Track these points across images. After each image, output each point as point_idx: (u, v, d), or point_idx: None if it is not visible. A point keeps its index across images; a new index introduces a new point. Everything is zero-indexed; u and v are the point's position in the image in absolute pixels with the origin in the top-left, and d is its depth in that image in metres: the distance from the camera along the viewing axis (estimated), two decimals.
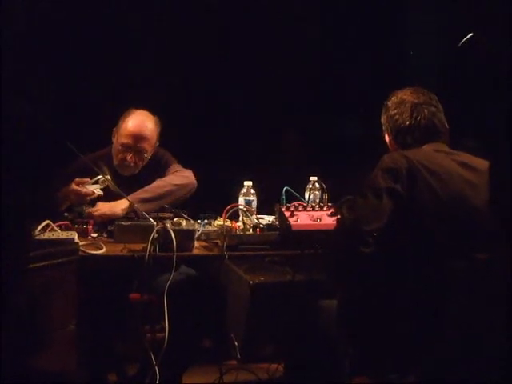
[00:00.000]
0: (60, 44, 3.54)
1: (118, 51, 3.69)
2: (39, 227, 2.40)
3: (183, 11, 3.85)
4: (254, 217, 2.66)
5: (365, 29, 4.08)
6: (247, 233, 2.51)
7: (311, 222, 2.45)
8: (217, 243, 2.52)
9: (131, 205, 2.68)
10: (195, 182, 2.95)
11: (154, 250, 2.34)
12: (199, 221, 2.68)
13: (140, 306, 2.40)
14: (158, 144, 2.97)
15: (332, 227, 2.16)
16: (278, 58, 3.96)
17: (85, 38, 3.61)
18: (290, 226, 2.43)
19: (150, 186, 2.82)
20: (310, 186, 2.85)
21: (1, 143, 1.95)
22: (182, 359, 2.66)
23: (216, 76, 3.94)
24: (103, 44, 3.65)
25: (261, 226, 2.55)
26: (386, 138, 2.29)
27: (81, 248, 2.35)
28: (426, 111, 2.19)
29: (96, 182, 2.70)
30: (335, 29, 4.13)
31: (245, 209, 2.67)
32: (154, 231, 2.36)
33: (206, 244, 2.55)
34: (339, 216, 2.15)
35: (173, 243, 2.33)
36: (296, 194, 2.73)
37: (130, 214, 2.71)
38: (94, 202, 2.71)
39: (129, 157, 2.86)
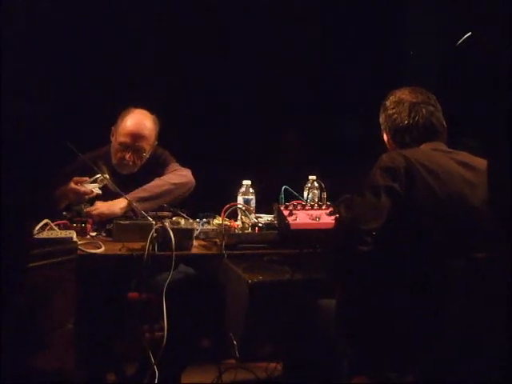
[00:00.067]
0: (60, 44, 3.54)
1: (117, 51, 3.69)
2: (38, 226, 2.41)
3: (183, 11, 3.84)
4: (253, 216, 2.66)
5: (365, 29, 4.07)
6: (246, 232, 2.51)
7: (310, 221, 2.45)
8: (215, 242, 2.53)
9: (130, 204, 2.69)
10: (193, 180, 2.95)
11: (153, 248, 2.35)
12: (198, 220, 2.68)
13: (139, 305, 2.41)
14: (156, 143, 2.98)
15: (331, 226, 2.16)
16: (278, 58, 3.96)
17: (85, 38, 3.61)
18: (288, 225, 2.43)
19: (149, 184, 2.82)
20: (309, 185, 2.85)
21: (1, 143, 1.95)
22: (181, 358, 2.65)
23: (216, 76, 3.94)
24: (103, 44, 3.65)
25: (259, 225, 2.56)
26: (385, 137, 2.30)
27: (79, 247, 2.35)
28: (424, 110, 2.20)
29: (94, 181, 2.70)
30: (335, 29, 4.12)
31: (243, 208, 2.67)
32: (153, 230, 2.36)
33: (205, 243, 2.56)
34: (337, 215, 2.15)
35: (171, 242, 2.33)
36: (295, 193, 2.73)
37: (129, 212, 2.71)
38: (92, 200, 2.72)
39: (127, 156, 2.87)
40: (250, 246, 2.47)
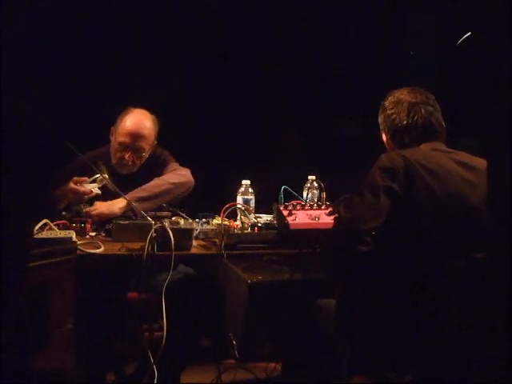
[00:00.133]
0: (60, 44, 3.54)
1: (118, 51, 3.69)
2: (37, 226, 2.41)
3: (183, 11, 3.84)
4: (252, 216, 2.66)
5: (365, 29, 4.07)
6: (245, 232, 2.51)
7: (309, 221, 2.45)
8: (215, 242, 2.53)
9: (129, 203, 2.69)
10: (193, 180, 2.95)
11: (152, 248, 2.34)
12: (197, 220, 2.68)
13: (138, 305, 2.41)
14: (155, 143, 2.98)
15: (330, 226, 2.16)
16: (278, 58, 3.96)
17: (85, 38, 3.61)
18: (288, 224, 2.43)
19: (148, 184, 2.82)
20: (308, 185, 2.85)
21: (1, 143, 1.95)
22: (180, 358, 2.65)
23: (216, 76, 3.94)
24: (103, 44, 3.65)
25: (259, 224, 2.55)
26: (384, 137, 2.30)
27: (79, 247, 2.35)
28: (423, 111, 2.19)
29: (94, 181, 2.70)
30: (335, 29, 4.12)
31: (243, 208, 2.67)
32: (152, 230, 2.36)
33: (204, 243, 2.56)
34: (337, 215, 2.15)
35: (171, 242, 2.33)
36: (294, 193, 2.73)
37: (128, 212, 2.71)
38: (91, 200, 2.71)
39: (127, 155, 2.87)
40: (250, 245, 2.47)
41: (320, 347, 2.24)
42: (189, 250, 2.44)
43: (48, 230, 2.42)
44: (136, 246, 2.40)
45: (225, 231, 2.45)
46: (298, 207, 2.51)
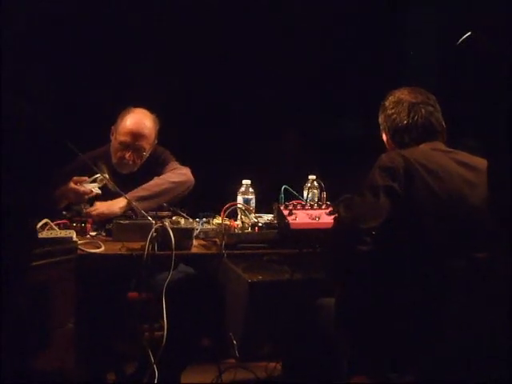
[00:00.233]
0: (60, 44, 3.54)
1: (117, 51, 3.69)
2: (38, 226, 2.40)
3: (183, 11, 3.84)
4: (253, 215, 2.66)
5: (365, 29, 4.07)
6: (246, 231, 2.51)
7: (310, 221, 2.45)
8: (215, 242, 2.53)
9: (129, 203, 2.69)
10: (193, 179, 2.95)
11: (153, 248, 2.35)
12: (198, 219, 2.68)
13: (138, 305, 2.41)
14: (156, 142, 2.98)
15: (330, 226, 2.16)
16: (278, 58, 3.96)
17: (85, 38, 3.61)
18: (288, 224, 2.43)
19: (148, 183, 2.82)
20: (309, 185, 2.85)
21: (1, 143, 1.95)
22: (181, 358, 2.65)
23: (216, 76, 3.94)
24: (103, 44, 3.65)
25: (259, 224, 2.56)
26: (384, 137, 2.30)
27: (79, 246, 2.35)
28: (423, 111, 2.20)
29: (94, 181, 2.70)
30: (335, 29, 4.12)
31: (243, 207, 2.67)
32: (153, 230, 2.36)
33: (205, 242, 2.56)
34: (337, 215, 2.15)
35: (171, 242, 2.33)
36: (294, 193, 2.73)
37: (128, 212, 2.71)
38: (92, 200, 2.72)
39: (127, 155, 2.87)
40: (250, 245, 2.47)
41: (320, 347, 2.24)
42: (189, 249, 2.44)
43: (48, 230, 2.42)
44: (136, 245, 2.40)
45: (225, 231, 2.45)
46: (299, 207, 2.52)
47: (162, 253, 2.35)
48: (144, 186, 2.81)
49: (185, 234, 2.41)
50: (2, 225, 1.89)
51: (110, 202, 2.71)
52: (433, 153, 2.11)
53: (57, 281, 2.16)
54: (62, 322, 2.16)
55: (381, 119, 2.30)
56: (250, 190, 2.79)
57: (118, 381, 2.73)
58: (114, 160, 2.90)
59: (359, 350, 2.13)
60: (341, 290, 2.16)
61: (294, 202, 2.62)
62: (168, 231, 2.35)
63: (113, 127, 2.94)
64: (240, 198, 2.77)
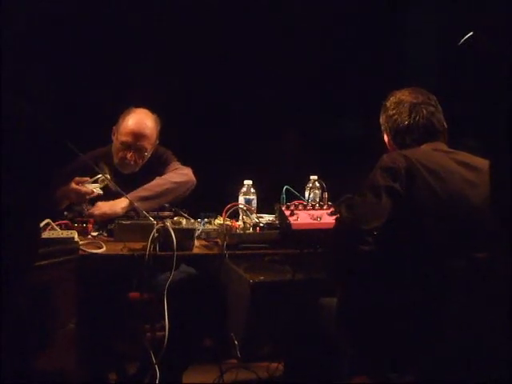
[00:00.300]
0: (60, 44, 3.54)
1: (118, 51, 3.69)
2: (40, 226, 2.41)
3: (183, 11, 3.84)
4: (254, 216, 2.66)
5: (365, 29, 4.08)
6: (247, 232, 2.51)
7: (311, 221, 2.45)
8: (217, 242, 2.53)
9: (131, 203, 2.69)
10: (194, 179, 2.95)
11: (154, 248, 2.34)
12: (199, 220, 2.68)
13: (140, 305, 2.42)
14: (157, 142, 2.98)
15: (332, 226, 2.16)
16: (278, 58, 3.96)
17: (85, 38, 3.61)
18: (290, 224, 2.43)
19: (150, 184, 2.82)
20: (310, 185, 2.85)
21: (1, 143, 1.94)
22: (182, 358, 2.65)
23: (216, 76, 3.94)
24: (103, 44, 3.65)
25: (261, 224, 2.55)
26: (385, 138, 2.30)
27: (81, 247, 2.35)
28: (424, 111, 2.20)
29: (96, 181, 2.70)
30: (335, 29, 4.12)
31: (245, 208, 2.67)
32: (154, 230, 2.36)
33: (206, 243, 2.56)
34: (338, 215, 2.15)
35: (173, 242, 2.33)
36: (296, 193, 2.73)
37: (130, 212, 2.71)
38: (93, 201, 2.72)
39: (129, 155, 2.87)
40: (252, 246, 2.47)
41: (322, 347, 2.25)
42: (191, 250, 2.44)
43: (50, 230, 2.42)
44: (138, 246, 2.40)
45: (227, 231, 2.45)
46: (300, 207, 2.52)
47: (163, 253, 2.35)
48: (146, 186, 2.80)
49: (186, 235, 2.41)
50: (2, 225, 1.89)
51: (112, 202, 2.71)
52: (434, 153, 2.11)
53: (58, 281, 2.16)
54: (64, 322, 2.16)
55: (382, 120, 2.30)
56: (252, 190, 2.79)
57: (119, 381, 2.73)
58: (115, 160, 2.90)
59: (360, 350, 2.13)
60: (342, 290, 2.16)
61: (296, 202, 2.61)
62: (169, 232, 2.35)
63: (114, 127, 2.94)
64: (241, 199, 2.77)
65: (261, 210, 2.79)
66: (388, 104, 2.27)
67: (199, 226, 2.59)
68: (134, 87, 3.70)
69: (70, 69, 3.60)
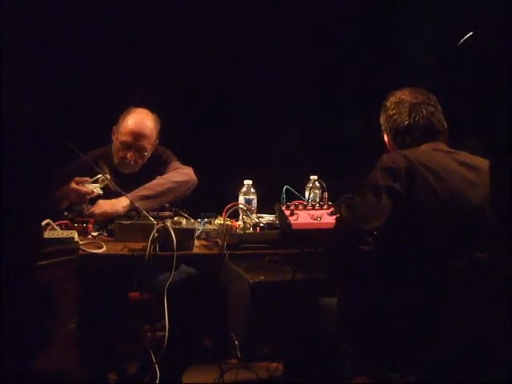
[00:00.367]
0: (60, 44, 3.54)
1: (118, 51, 3.69)
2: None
3: (183, 11, 3.84)
4: (254, 216, 2.66)
5: (365, 29, 4.08)
6: (247, 232, 2.51)
7: (311, 221, 2.45)
8: (217, 242, 2.53)
9: (132, 203, 2.69)
10: (195, 178, 2.95)
11: (154, 248, 2.34)
12: (199, 220, 2.68)
13: (140, 305, 2.41)
14: (157, 142, 2.98)
15: (332, 226, 2.16)
16: (278, 58, 3.96)
17: (85, 38, 3.61)
18: (290, 224, 2.43)
19: (151, 183, 2.82)
20: (310, 185, 2.85)
21: (1, 143, 1.95)
22: (182, 358, 2.66)
23: (216, 76, 3.94)
24: (103, 44, 3.65)
25: (261, 224, 2.55)
26: (385, 138, 2.30)
27: (81, 247, 2.35)
28: (424, 111, 2.20)
29: (96, 181, 2.70)
30: (335, 29, 4.12)
31: (245, 208, 2.67)
32: (154, 230, 2.36)
33: (206, 243, 2.56)
34: (338, 215, 2.15)
35: (173, 242, 2.33)
36: (296, 193, 2.73)
37: (132, 212, 2.70)
38: (93, 201, 2.71)
39: (129, 155, 2.87)
40: (252, 245, 2.47)
41: (322, 347, 2.24)
42: (191, 250, 2.44)
43: (50, 230, 2.42)
44: (138, 246, 2.40)
45: (227, 231, 2.45)
46: (300, 207, 2.52)
47: (163, 253, 2.35)
48: (147, 185, 2.80)
49: (186, 235, 2.41)
50: (2, 225, 1.89)
51: (113, 201, 2.70)
52: (434, 153, 2.12)
53: (58, 281, 2.16)
54: (64, 323, 2.16)
55: (382, 120, 2.30)
56: (252, 190, 2.79)
57: (119, 381, 2.74)
58: (115, 160, 2.90)
59: (361, 350, 2.13)
60: (342, 290, 2.16)
61: (296, 202, 2.62)
62: (170, 231, 2.35)
63: (114, 127, 2.95)
64: (241, 199, 2.77)
65: (261, 209, 2.79)
66: (388, 104, 2.27)
67: (199, 225, 2.59)
68: (134, 87, 3.70)
69: (70, 69, 3.60)
